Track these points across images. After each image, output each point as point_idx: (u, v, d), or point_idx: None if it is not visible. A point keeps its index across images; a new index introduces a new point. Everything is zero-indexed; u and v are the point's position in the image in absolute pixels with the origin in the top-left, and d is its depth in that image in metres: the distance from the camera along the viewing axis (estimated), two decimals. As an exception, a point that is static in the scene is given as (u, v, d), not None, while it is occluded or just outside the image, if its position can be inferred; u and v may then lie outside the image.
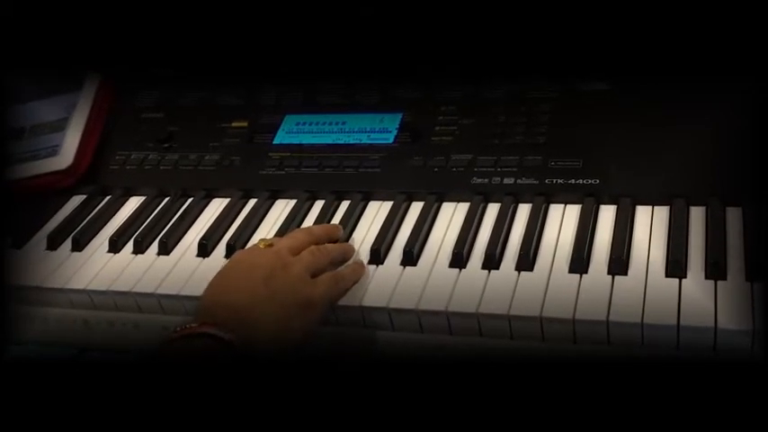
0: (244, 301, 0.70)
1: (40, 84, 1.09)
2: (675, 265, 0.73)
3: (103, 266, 0.89)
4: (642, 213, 0.81)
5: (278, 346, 0.70)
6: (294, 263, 0.75)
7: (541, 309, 0.72)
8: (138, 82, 1.12)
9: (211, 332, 0.66)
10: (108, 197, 1.00)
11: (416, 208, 0.88)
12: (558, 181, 0.85)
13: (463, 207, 0.86)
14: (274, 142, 0.99)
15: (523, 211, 0.84)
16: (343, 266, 0.81)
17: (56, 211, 0.99)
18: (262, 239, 0.80)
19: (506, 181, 0.87)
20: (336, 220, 0.89)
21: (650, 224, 0.80)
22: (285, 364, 0.72)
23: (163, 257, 0.89)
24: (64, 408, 0.60)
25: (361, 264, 0.81)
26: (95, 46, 1.06)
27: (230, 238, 0.88)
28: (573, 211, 0.83)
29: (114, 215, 0.97)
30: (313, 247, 0.79)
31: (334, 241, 0.84)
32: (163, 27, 1.06)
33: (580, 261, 0.76)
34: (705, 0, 0.87)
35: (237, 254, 0.79)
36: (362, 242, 0.85)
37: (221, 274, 0.75)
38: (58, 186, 1.01)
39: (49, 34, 1.06)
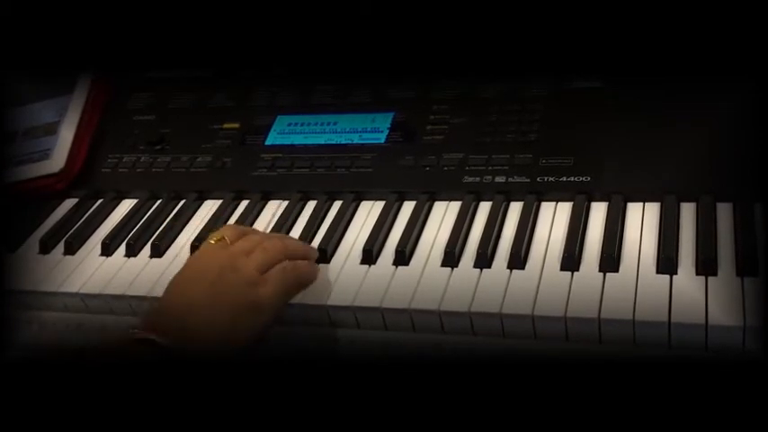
0: (190, 306, 0.71)
1: (32, 87, 1.09)
2: (666, 262, 0.74)
3: (96, 270, 0.89)
4: (633, 210, 0.81)
5: (221, 349, 0.70)
6: (245, 263, 0.74)
7: (533, 307, 0.72)
8: (129, 84, 1.12)
9: (150, 338, 0.67)
10: (100, 200, 1.00)
11: (408, 207, 0.88)
12: (550, 179, 0.86)
13: (455, 206, 0.87)
14: (266, 143, 0.99)
15: (515, 209, 0.84)
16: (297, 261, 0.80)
17: (48, 215, 0.99)
18: (211, 233, 0.79)
19: (498, 179, 0.87)
20: (328, 220, 0.89)
21: (641, 221, 0.80)
22: (236, 365, 0.72)
23: (155, 260, 0.89)
24: None
25: (315, 264, 0.81)
26: (86, 49, 1.06)
27: (223, 240, 0.88)
28: (564, 209, 0.83)
29: (106, 218, 0.97)
30: (267, 243, 0.78)
31: None
32: (154, 29, 1.06)
33: (571, 258, 0.76)
34: (695, 4, 0.87)
35: (191, 257, 0.79)
36: (355, 242, 0.85)
37: (174, 278, 0.75)
38: (50, 190, 1.01)
39: (41, 37, 1.06)
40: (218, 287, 0.72)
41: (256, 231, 0.84)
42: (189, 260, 0.79)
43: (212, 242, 0.78)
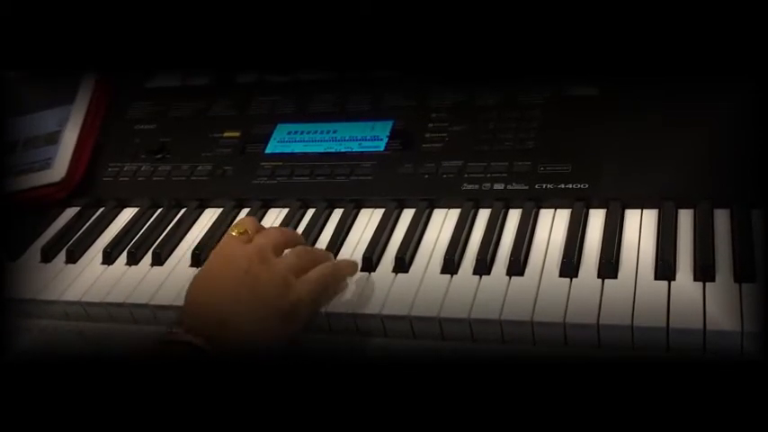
0: (230, 312, 0.69)
1: (34, 97, 1.10)
2: (664, 268, 0.74)
3: (97, 278, 0.89)
4: (631, 217, 0.82)
5: (261, 351, 0.70)
6: (278, 264, 0.73)
7: (532, 313, 0.73)
8: (129, 94, 1.12)
9: (192, 341, 0.66)
10: (101, 209, 1.00)
11: (408, 215, 0.88)
12: (548, 186, 0.86)
13: (454, 213, 0.87)
14: (266, 152, 1.00)
15: (514, 216, 0.85)
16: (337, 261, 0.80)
17: (49, 224, 0.99)
18: (234, 226, 0.77)
19: (496, 187, 0.88)
20: (329, 228, 0.89)
21: (639, 227, 0.80)
22: (271, 368, 0.72)
23: (156, 268, 0.89)
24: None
25: (354, 261, 0.81)
26: (86, 58, 1.07)
27: (223, 248, 0.88)
28: (563, 216, 0.84)
29: (108, 227, 0.98)
30: (299, 248, 0.78)
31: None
32: (153, 39, 1.06)
33: (570, 265, 0.76)
34: (691, 6, 0.88)
35: (218, 252, 0.75)
36: (354, 250, 0.85)
37: (205, 274, 0.73)
38: (52, 199, 1.01)
39: (41, 45, 1.07)
40: (256, 290, 0.70)
41: (275, 228, 0.83)
42: (214, 257, 0.75)
43: (234, 234, 0.76)
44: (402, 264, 0.81)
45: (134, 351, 0.69)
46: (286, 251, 0.77)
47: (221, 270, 0.73)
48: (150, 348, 0.68)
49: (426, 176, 0.91)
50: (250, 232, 0.76)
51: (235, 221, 0.80)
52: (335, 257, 0.85)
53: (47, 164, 1.02)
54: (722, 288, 0.71)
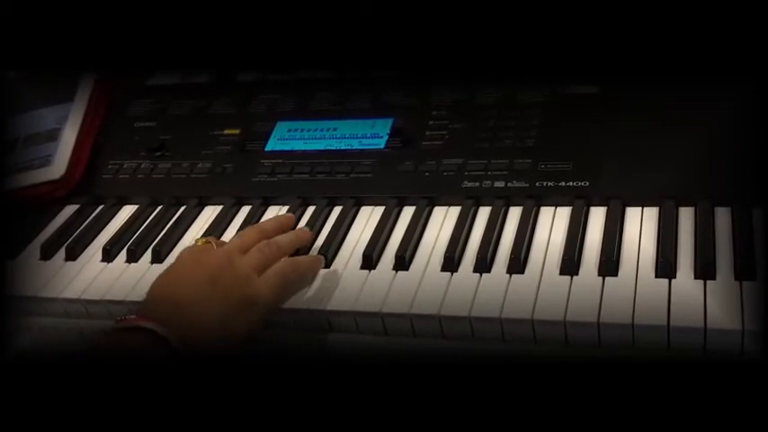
0: (186, 297, 0.71)
1: (34, 94, 1.10)
2: (665, 266, 0.74)
3: (97, 275, 0.89)
4: (632, 215, 0.82)
5: (219, 342, 0.71)
6: (242, 261, 0.75)
7: (533, 311, 0.73)
8: (129, 91, 1.12)
9: (148, 327, 0.67)
10: (101, 206, 1.00)
11: (408, 212, 0.88)
12: (549, 184, 0.86)
13: (454, 211, 0.87)
14: (266, 149, 1.00)
15: (514, 214, 0.85)
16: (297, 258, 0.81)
17: (49, 221, 0.99)
18: (198, 238, 0.80)
19: (497, 184, 0.88)
20: (328, 225, 0.89)
21: (640, 225, 0.80)
22: (230, 359, 0.73)
23: (156, 266, 0.89)
24: None
25: (317, 258, 0.82)
26: (86, 56, 1.07)
27: (223, 246, 0.88)
28: (563, 214, 0.84)
29: (107, 224, 0.97)
30: (262, 242, 0.79)
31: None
32: (153, 35, 1.06)
33: (571, 263, 0.76)
34: (691, 6, 0.88)
35: (184, 251, 0.79)
36: (354, 247, 0.85)
37: (168, 270, 0.76)
38: (52, 196, 1.01)
39: (41, 45, 1.07)
40: (216, 282, 0.72)
41: (252, 227, 0.84)
42: (183, 254, 0.78)
43: (199, 244, 0.79)
44: (402, 262, 0.81)
45: (89, 344, 0.69)
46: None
47: (188, 269, 0.75)
48: (105, 338, 0.69)
49: (427, 174, 0.91)
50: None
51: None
52: (335, 255, 0.85)
53: (47, 161, 1.02)
54: (723, 286, 0.71)
